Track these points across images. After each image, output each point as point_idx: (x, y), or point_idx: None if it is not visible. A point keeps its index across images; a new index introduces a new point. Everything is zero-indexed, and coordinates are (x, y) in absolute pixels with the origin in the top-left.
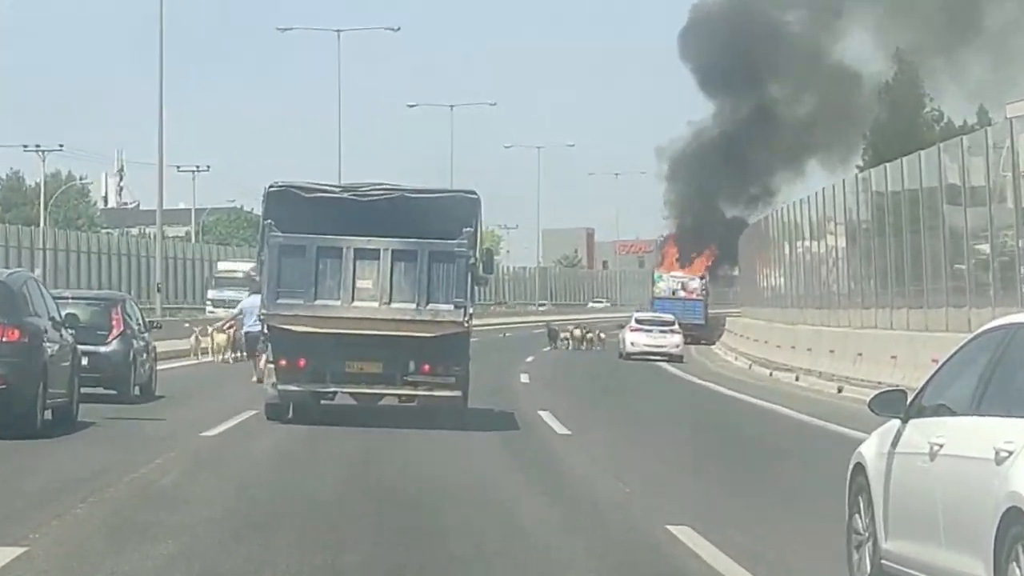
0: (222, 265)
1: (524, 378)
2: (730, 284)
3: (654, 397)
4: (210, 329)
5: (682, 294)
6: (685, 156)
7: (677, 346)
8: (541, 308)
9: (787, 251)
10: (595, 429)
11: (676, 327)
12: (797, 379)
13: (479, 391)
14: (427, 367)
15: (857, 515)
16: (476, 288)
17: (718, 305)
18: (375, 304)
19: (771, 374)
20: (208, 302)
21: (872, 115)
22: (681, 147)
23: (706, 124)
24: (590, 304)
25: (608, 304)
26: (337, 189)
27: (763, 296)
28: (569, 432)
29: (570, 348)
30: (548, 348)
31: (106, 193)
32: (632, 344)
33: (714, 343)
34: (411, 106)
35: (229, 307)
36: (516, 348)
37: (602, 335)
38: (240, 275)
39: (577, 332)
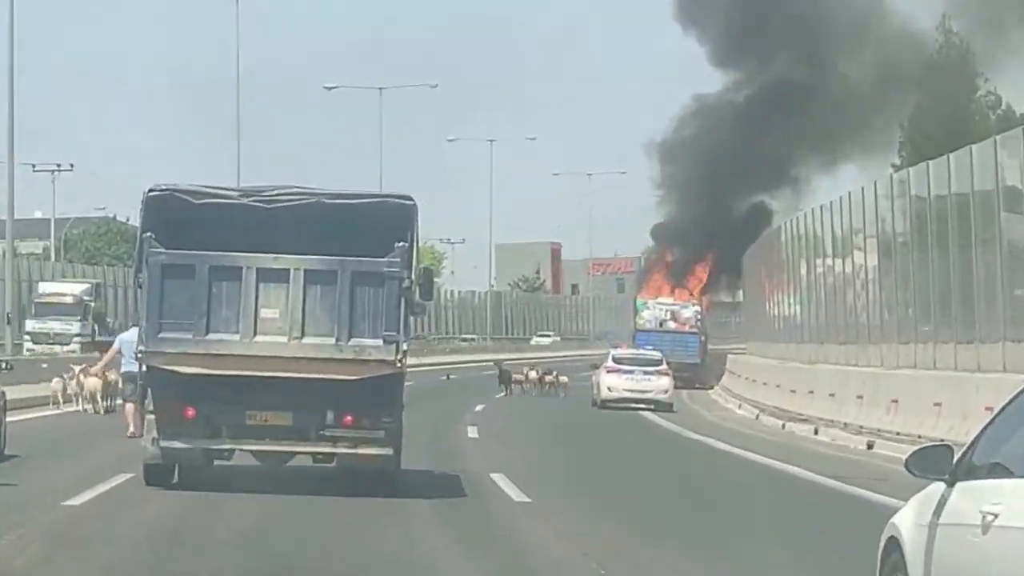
0: (45, 287)
1: (472, 431)
2: (732, 312)
3: (636, 456)
4: (76, 370)
5: (672, 325)
6: (686, 137)
7: (666, 391)
8: (468, 343)
9: (804, 271)
10: (561, 496)
11: (664, 367)
12: (816, 432)
13: (416, 448)
14: (349, 418)
15: None
16: (411, 318)
17: (718, 339)
18: (283, 339)
19: (784, 426)
20: (26, 336)
21: (911, 100)
22: (682, 127)
23: (713, 99)
24: (534, 340)
25: (556, 339)
26: (235, 194)
27: (774, 328)
28: (528, 500)
29: (527, 392)
30: (502, 394)
31: None
32: (609, 389)
33: (712, 387)
34: (329, 87)
35: (54, 342)
36: (462, 393)
37: (564, 378)
38: (70, 300)
39: (534, 374)
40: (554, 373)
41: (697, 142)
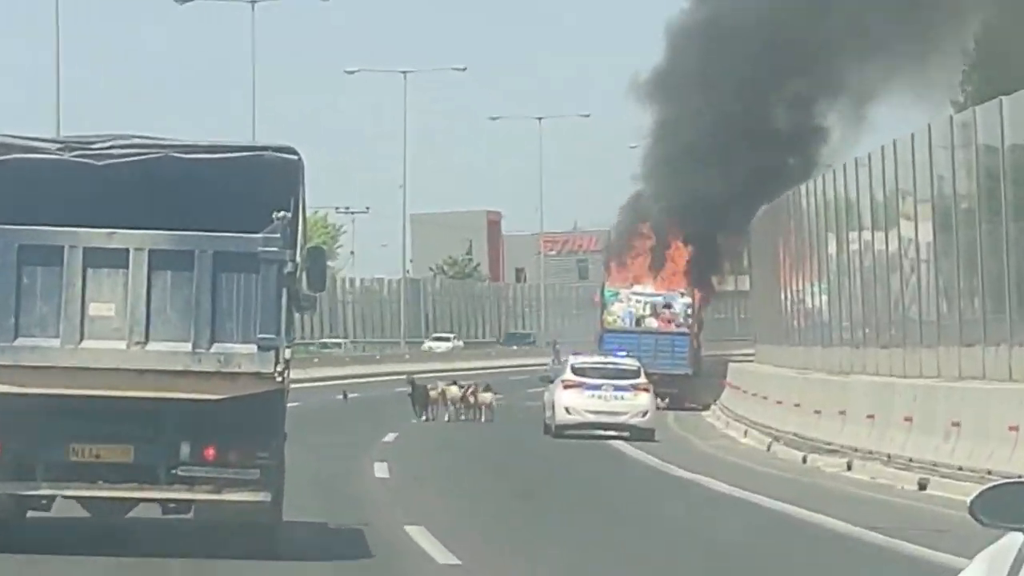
0: None
1: (380, 470)
2: (736, 304)
3: (603, 503)
4: None
5: (653, 323)
6: (682, 66)
7: (645, 413)
8: (332, 349)
9: (832, 248)
10: (499, 556)
11: (643, 380)
12: (850, 467)
13: (304, 492)
14: (212, 451)
15: None
16: (296, 316)
17: (716, 341)
18: (121, 345)
19: (805, 460)
20: None
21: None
22: (678, 53)
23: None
24: (426, 344)
25: (458, 343)
26: (54, 146)
27: (792, 326)
28: (457, 561)
29: (454, 417)
30: (420, 418)
31: None
32: (567, 411)
33: (709, 406)
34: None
35: None
36: (366, 418)
37: (487, 396)
38: None
39: (455, 390)
40: (470, 387)
41: (700, 71)
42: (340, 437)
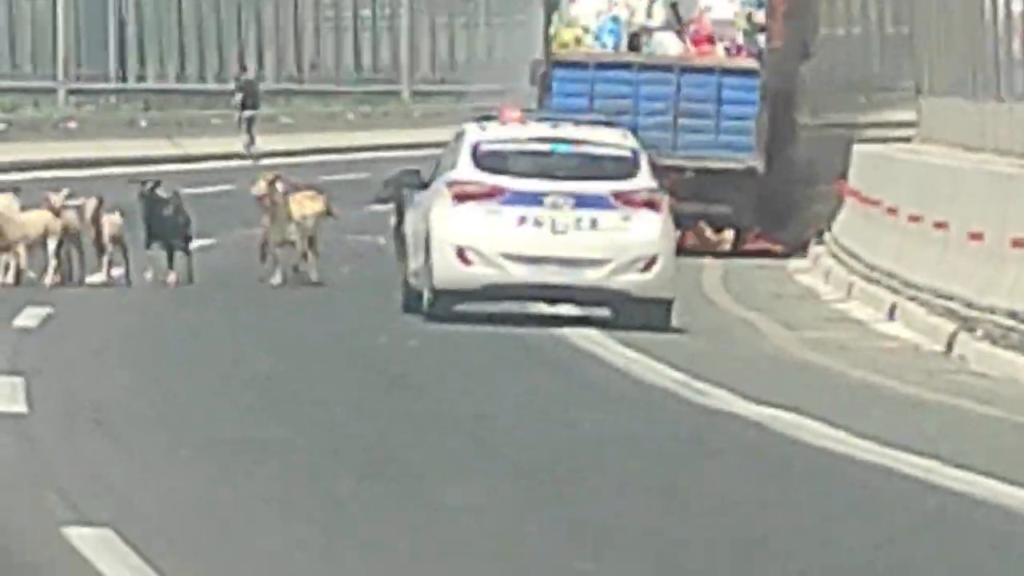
0: None
1: (9, 396)
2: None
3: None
4: None
5: (671, 43)
6: None
7: (650, 260)
8: None
9: None
10: None
11: (646, 180)
12: None
13: None
14: None
15: None
16: None
17: (822, 92)
18: None
19: None
20: None
21: None
22: None
23: None
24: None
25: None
26: None
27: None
28: None
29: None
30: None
31: None
32: (462, 255)
33: (804, 245)
34: None
35: None
36: None
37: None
38: None
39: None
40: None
41: None
42: None
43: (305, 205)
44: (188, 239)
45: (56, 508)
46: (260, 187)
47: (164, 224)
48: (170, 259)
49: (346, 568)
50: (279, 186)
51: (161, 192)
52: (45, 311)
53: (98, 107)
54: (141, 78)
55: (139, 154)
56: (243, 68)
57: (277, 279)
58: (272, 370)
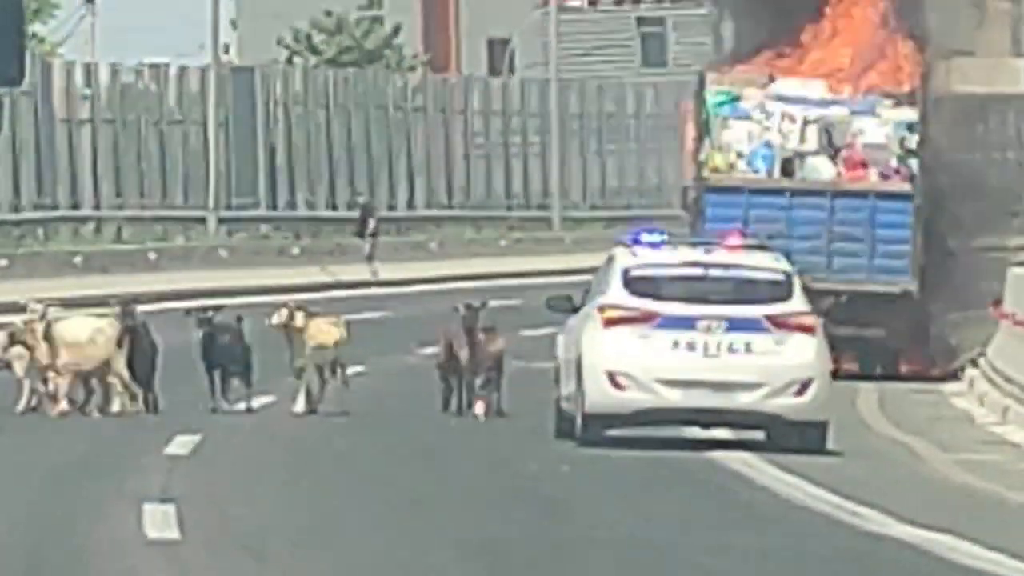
0: None
1: (157, 525)
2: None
3: None
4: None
5: (824, 168)
6: None
7: (804, 384)
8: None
9: None
10: None
11: (799, 304)
12: None
13: None
14: None
15: None
16: None
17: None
18: None
19: None
20: None
21: None
22: None
23: None
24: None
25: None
26: None
27: None
28: None
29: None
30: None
31: None
32: (613, 380)
33: (960, 370)
34: None
35: None
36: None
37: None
38: None
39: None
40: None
41: None
42: (68, 450)
43: (325, 331)
44: (248, 367)
45: None
46: (282, 315)
47: (222, 352)
48: (224, 384)
49: None
50: (298, 315)
51: (220, 320)
52: (199, 435)
53: (249, 235)
54: (291, 205)
55: (289, 282)
56: (359, 193)
57: (300, 406)
58: (424, 495)
